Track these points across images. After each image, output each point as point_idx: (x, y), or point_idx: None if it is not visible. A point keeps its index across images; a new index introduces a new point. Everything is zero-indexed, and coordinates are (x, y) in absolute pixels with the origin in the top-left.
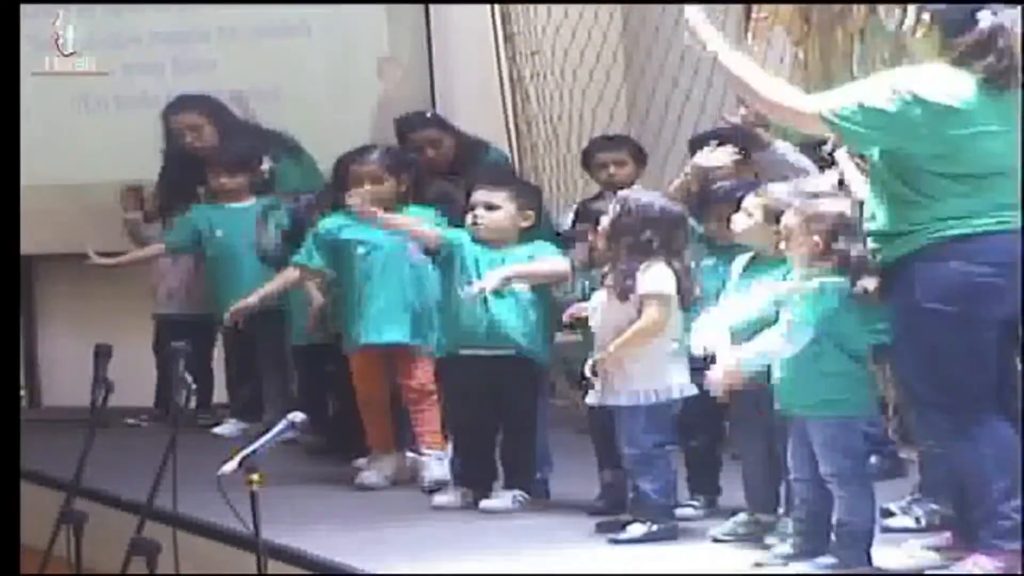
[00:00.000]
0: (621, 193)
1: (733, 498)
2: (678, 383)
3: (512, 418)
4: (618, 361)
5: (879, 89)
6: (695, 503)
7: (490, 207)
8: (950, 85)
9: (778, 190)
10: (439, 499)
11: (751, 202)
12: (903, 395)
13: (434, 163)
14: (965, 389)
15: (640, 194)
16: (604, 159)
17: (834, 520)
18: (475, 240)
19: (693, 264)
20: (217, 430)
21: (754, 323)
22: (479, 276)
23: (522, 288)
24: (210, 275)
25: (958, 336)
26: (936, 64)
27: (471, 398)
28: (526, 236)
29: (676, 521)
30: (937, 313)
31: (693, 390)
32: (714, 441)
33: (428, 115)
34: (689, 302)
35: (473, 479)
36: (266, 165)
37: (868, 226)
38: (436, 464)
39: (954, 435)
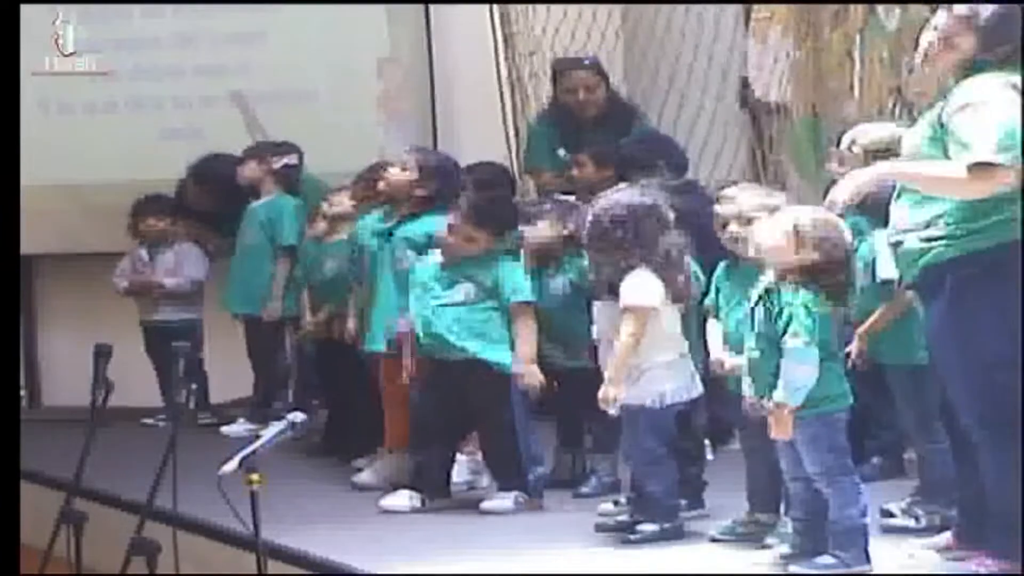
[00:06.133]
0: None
1: (720, 498)
2: (672, 388)
3: (485, 423)
4: (617, 380)
5: (1000, 108)
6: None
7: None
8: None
9: (745, 196)
10: (388, 501)
11: (723, 209)
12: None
13: (585, 106)
14: (1011, 398)
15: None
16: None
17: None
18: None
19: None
20: (225, 430)
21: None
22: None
23: (468, 296)
24: None
25: (1016, 342)
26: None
27: (436, 402)
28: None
29: (682, 521)
30: (1005, 314)
31: (697, 390)
32: (699, 442)
33: (586, 60)
34: (681, 296)
35: (425, 481)
36: (278, 163)
37: (904, 223)
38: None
39: (988, 443)
